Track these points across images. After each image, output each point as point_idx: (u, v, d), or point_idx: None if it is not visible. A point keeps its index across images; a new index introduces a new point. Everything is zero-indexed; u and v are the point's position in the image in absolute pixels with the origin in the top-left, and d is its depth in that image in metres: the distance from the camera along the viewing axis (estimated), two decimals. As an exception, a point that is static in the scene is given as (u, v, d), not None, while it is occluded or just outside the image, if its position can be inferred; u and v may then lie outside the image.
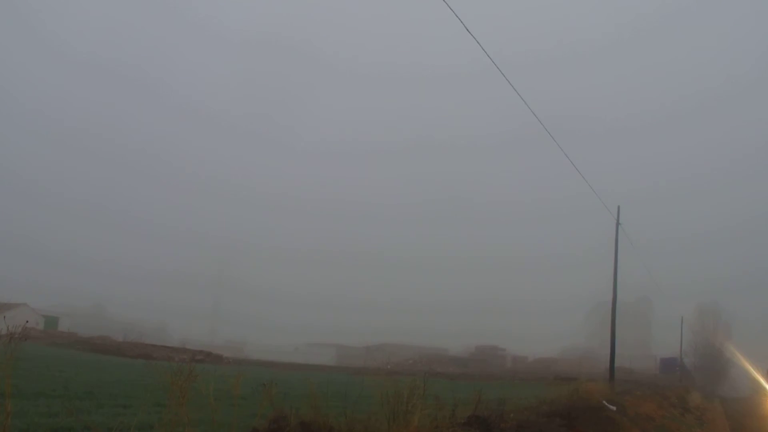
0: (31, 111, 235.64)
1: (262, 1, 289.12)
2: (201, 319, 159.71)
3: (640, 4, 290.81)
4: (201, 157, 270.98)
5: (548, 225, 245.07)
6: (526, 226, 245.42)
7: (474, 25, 17.25)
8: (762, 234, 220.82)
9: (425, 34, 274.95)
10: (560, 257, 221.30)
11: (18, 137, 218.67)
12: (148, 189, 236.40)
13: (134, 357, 50.19)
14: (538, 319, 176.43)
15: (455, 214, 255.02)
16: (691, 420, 37.79)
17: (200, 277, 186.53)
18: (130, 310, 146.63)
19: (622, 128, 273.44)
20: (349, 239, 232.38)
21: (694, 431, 30.72)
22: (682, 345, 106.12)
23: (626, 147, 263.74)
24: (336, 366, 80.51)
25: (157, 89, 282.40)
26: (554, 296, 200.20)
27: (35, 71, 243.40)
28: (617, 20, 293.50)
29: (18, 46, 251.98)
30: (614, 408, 24.30)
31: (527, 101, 23.70)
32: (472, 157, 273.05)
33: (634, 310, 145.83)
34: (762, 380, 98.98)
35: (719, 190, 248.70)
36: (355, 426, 8.12)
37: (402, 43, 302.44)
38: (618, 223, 42.70)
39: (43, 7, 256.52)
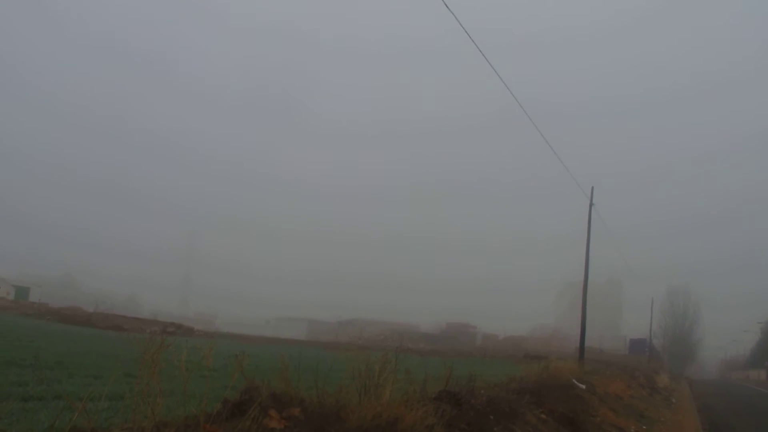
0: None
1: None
2: (172, 291, 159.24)
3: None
4: (194, 133, 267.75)
5: (523, 206, 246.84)
6: (501, 207, 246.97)
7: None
8: (732, 221, 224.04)
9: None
10: (533, 238, 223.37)
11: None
12: (123, 156, 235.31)
13: (105, 328, 49.98)
14: (509, 297, 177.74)
15: (430, 194, 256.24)
16: (659, 400, 38.23)
17: (172, 249, 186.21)
18: (101, 281, 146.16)
19: (600, 113, 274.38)
20: (325, 217, 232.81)
21: (661, 411, 31.03)
22: (651, 326, 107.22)
23: (602, 132, 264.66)
24: (307, 340, 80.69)
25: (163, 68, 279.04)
26: (526, 276, 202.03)
27: (43, 47, 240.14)
28: (603, 11, 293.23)
29: (29, 25, 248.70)
30: (583, 387, 24.53)
31: (511, 83, 23.73)
32: (452, 138, 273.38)
33: (605, 291, 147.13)
34: None
35: (693, 179, 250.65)
36: (326, 399, 8.15)
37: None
38: (591, 204, 42.91)
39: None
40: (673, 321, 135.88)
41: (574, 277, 48.79)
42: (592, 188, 43.64)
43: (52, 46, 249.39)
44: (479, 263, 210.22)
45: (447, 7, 16.89)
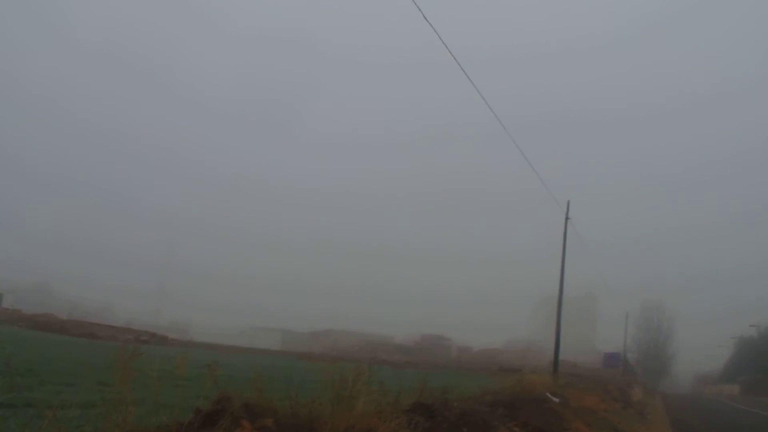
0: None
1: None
2: (147, 299, 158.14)
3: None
4: (181, 139, 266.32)
5: (500, 219, 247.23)
6: (477, 220, 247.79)
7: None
8: (706, 237, 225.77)
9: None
10: (509, 251, 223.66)
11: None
12: (105, 159, 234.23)
13: (78, 336, 49.60)
14: (484, 310, 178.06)
15: (405, 205, 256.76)
16: (632, 414, 38.38)
17: (150, 255, 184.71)
18: (76, 287, 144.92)
19: (578, 125, 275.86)
20: (300, 225, 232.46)
21: (634, 425, 31.17)
22: (625, 341, 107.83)
23: (579, 145, 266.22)
24: (281, 350, 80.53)
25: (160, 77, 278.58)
26: (502, 289, 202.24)
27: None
28: (584, 28, 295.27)
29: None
30: (557, 400, 24.59)
31: (493, 97, 23.84)
32: (430, 150, 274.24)
33: (580, 306, 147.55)
34: None
35: (668, 194, 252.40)
36: (299, 409, 8.14)
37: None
38: (567, 218, 43.16)
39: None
40: (648, 335, 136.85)
41: (550, 290, 49.12)
42: (568, 202, 43.92)
43: (47, 49, 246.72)
44: (455, 275, 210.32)
45: (426, 19, 16.99)
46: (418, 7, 16.44)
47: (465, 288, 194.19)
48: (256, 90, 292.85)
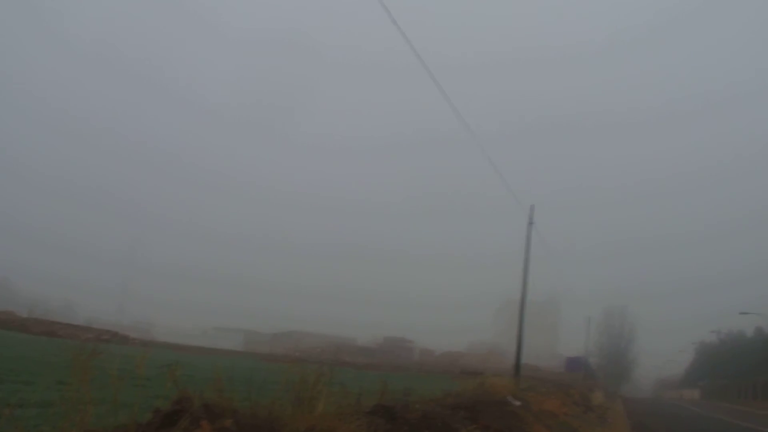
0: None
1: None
2: (109, 297, 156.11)
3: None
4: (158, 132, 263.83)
5: (463, 223, 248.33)
6: (441, 223, 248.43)
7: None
8: (671, 247, 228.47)
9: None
10: (474, 255, 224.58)
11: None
12: (80, 154, 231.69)
13: (38, 334, 49.03)
14: (447, 313, 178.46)
15: (371, 207, 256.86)
16: (593, 418, 38.68)
17: (112, 252, 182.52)
18: (37, 283, 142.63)
19: (545, 133, 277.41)
20: (265, 225, 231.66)
21: (595, 429, 31.45)
22: (588, 345, 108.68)
23: (546, 152, 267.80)
24: (243, 351, 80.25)
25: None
26: (465, 292, 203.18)
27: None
28: (560, 37, 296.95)
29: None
30: (519, 403, 24.72)
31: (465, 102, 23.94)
32: (393, 153, 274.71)
33: (543, 310, 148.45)
34: None
35: (631, 203, 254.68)
36: (260, 410, 8.12)
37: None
38: (530, 222, 43.45)
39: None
40: (609, 340, 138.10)
41: (513, 294, 49.37)
42: (532, 206, 44.22)
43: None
44: (419, 278, 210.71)
45: (397, 26, 17.03)
46: (387, 10, 16.49)
47: (429, 291, 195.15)
48: (250, 93, 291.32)
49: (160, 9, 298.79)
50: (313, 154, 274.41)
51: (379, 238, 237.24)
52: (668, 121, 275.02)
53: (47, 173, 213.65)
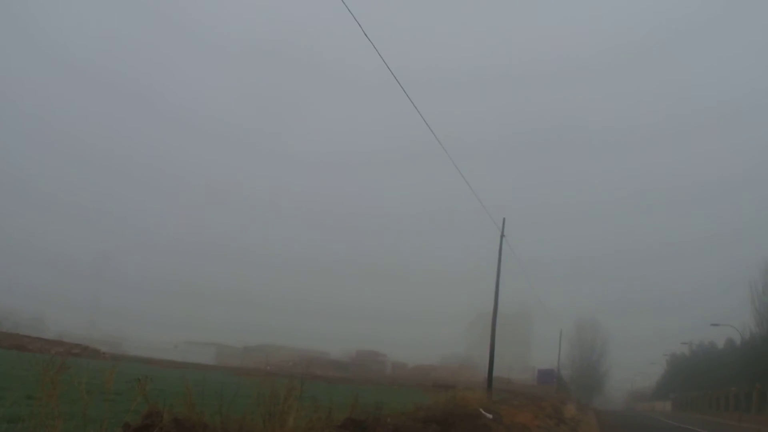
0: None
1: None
2: (80, 310, 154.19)
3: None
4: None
5: (438, 238, 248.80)
6: (415, 238, 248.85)
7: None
8: (644, 263, 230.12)
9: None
10: (446, 269, 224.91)
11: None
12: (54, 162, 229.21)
13: (7, 348, 48.54)
14: (420, 327, 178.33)
15: (342, 221, 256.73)
16: (566, 430, 38.81)
17: (81, 263, 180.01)
18: (4, 296, 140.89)
19: (514, 149, 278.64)
20: (238, 237, 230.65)
21: (566, 441, 31.58)
22: (560, 358, 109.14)
23: (516, 166, 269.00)
24: (215, 365, 79.80)
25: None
26: (438, 306, 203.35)
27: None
28: (529, 53, 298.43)
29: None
30: (491, 416, 24.78)
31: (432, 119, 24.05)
32: (370, 170, 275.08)
33: (515, 323, 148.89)
34: None
35: (602, 219, 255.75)
36: (230, 425, 8.12)
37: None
38: (502, 235, 43.67)
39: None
40: (581, 353, 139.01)
41: (485, 307, 49.67)
42: (504, 219, 44.45)
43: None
44: (391, 291, 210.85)
45: (369, 39, 17.11)
46: (358, 22, 16.57)
47: (402, 305, 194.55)
48: (236, 105, 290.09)
49: (146, 22, 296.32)
50: (290, 167, 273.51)
51: (352, 252, 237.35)
52: (641, 139, 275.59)
53: (16, 180, 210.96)
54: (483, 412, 24.90)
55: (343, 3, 15.88)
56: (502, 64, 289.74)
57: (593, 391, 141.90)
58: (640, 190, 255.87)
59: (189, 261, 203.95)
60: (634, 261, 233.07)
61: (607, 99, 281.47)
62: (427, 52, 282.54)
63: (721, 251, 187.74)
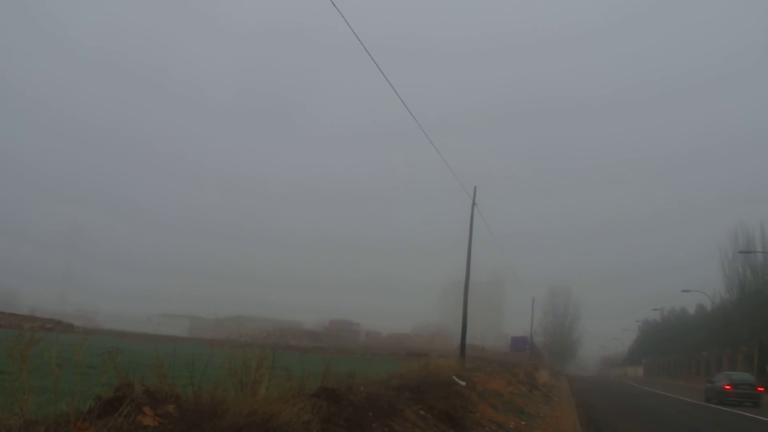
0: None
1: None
2: (52, 284, 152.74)
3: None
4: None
5: (412, 209, 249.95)
6: (389, 210, 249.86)
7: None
8: (617, 234, 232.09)
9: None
10: (420, 240, 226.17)
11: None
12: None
13: (-21, 324, 48.25)
14: (394, 296, 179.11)
15: (316, 194, 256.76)
16: (539, 396, 39.23)
17: (54, 236, 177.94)
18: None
19: (490, 116, 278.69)
20: (211, 210, 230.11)
21: (540, 407, 31.88)
22: (533, 325, 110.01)
23: (489, 138, 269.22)
24: (189, 337, 79.64)
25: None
26: (412, 275, 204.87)
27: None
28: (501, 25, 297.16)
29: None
30: (464, 383, 24.99)
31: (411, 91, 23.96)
32: (346, 143, 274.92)
33: (487, 291, 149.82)
34: None
35: (575, 190, 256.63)
36: (202, 395, 8.16)
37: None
38: (474, 203, 43.77)
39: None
40: (554, 320, 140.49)
41: (459, 276, 49.90)
42: (475, 188, 44.49)
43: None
44: (366, 262, 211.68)
45: (341, 15, 17.00)
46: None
47: (376, 275, 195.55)
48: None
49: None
50: (265, 142, 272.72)
51: (327, 225, 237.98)
52: (616, 109, 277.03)
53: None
54: (456, 379, 25.09)
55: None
56: (477, 36, 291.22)
57: (566, 358, 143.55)
58: (617, 162, 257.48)
59: (163, 234, 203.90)
60: (609, 232, 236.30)
61: (582, 70, 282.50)
62: (403, 27, 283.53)
63: (696, 223, 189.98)
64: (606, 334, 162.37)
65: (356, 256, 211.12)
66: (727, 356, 78.38)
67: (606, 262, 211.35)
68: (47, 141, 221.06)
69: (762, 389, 45.59)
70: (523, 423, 23.28)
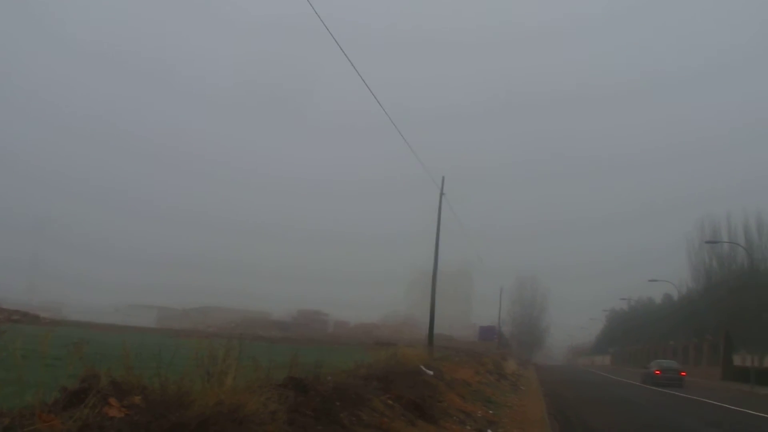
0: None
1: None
2: (19, 273, 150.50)
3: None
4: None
5: (378, 202, 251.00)
6: (359, 202, 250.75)
7: None
8: (582, 230, 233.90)
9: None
10: (389, 231, 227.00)
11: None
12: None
13: (-56, 316, 47.71)
14: (363, 288, 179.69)
15: (284, 185, 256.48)
16: (506, 386, 39.49)
17: (20, 222, 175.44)
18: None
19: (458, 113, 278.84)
20: (180, 199, 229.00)
21: (508, 396, 32.12)
22: (500, 314, 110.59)
23: (459, 131, 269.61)
24: (156, 328, 79.19)
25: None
26: (381, 267, 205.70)
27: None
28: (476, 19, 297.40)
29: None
30: (431, 373, 25.10)
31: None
32: (315, 136, 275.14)
33: (455, 281, 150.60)
34: None
35: (544, 186, 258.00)
36: (169, 386, 8.17)
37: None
38: (441, 193, 43.94)
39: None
40: (522, 309, 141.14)
41: (427, 267, 50.07)
42: (443, 178, 44.69)
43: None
44: (334, 253, 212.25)
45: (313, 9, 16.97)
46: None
47: (345, 267, 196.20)
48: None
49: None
50: (234, 132, 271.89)
51: (297, 216, 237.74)
52: (586, 107, 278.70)
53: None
54: (424, 368, 25.20)
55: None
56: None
57: (534, 347, 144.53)
58: (586, 158, 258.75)
59: (132, 224, 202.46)
60: (582, 227, 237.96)
61: (555, 65, 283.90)
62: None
63: (666, 216, 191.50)
64: (575, 324, 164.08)
65: (326, 248, 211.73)
66: (693, 345, 79.29)
67: (577, 256, 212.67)
68: (42, 133, 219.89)
69: (684, 374, 55.88)
70: (490, 412, 23.42)
